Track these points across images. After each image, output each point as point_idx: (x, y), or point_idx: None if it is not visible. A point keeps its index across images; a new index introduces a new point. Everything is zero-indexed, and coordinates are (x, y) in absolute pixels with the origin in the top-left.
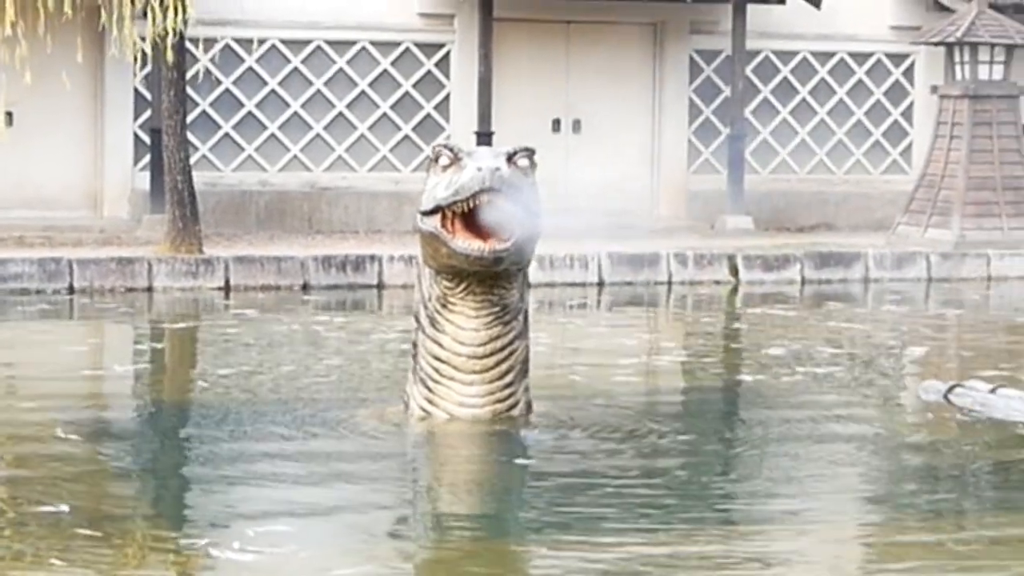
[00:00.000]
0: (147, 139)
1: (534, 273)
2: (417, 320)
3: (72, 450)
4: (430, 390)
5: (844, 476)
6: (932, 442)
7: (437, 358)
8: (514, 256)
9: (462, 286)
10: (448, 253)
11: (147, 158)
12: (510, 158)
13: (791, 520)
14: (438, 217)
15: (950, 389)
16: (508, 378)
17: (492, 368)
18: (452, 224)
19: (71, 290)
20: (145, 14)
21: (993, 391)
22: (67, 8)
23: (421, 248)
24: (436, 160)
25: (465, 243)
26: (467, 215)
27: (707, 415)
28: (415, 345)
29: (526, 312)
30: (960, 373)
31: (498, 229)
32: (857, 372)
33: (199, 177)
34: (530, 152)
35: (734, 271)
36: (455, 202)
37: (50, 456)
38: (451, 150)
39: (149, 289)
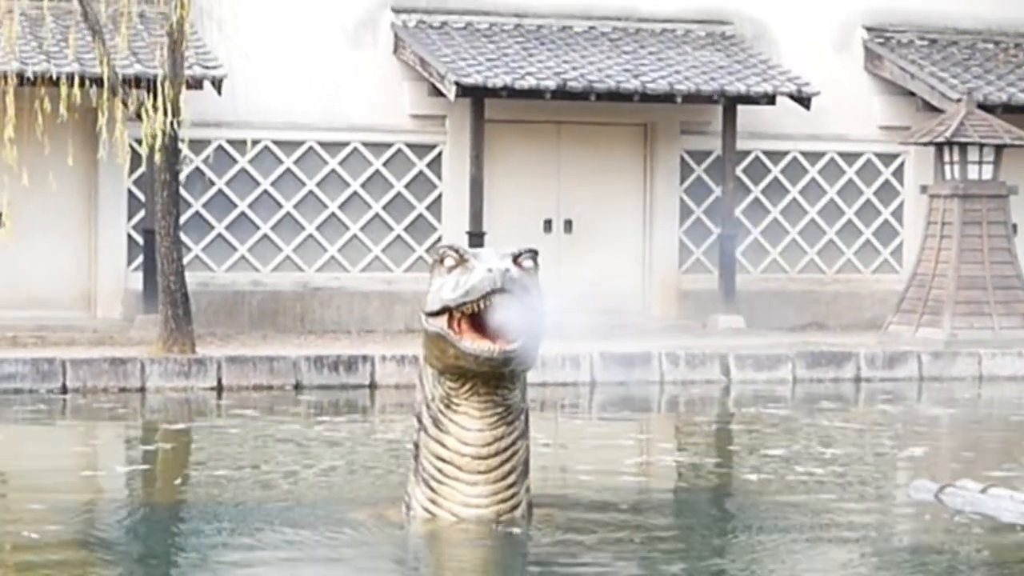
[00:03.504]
0: (140, 240)
1: None
2: (419, 420)
3: (69, 554)
4: (433, 491)
5: None
6: (924, 543)
7: (440, 458)
8: (522, 357)
9: (467, 386)
10: (456, 354)
11: (140, 258)
12: (515, 259)
13: None
14: (444, 318)
15: (941, 489)
16: (511, 478)
17: (496, 468)
18: (459, 325)
19: (64, 390)
20: (139, 116)
21: (984, 491)
22: (63, 110)
23: (425, 348)
24: (441, 261)
25: (474, 344)
26: (474, 316)
27: (708, 516)
28: (416, 446)
29: (527, 413)
30: (953, 473)
31: (506, 330)
32: (853, 472)
33: (192, 277)
34: (534, 253)
35: (726, 371)
36: (465, 303)
37: (49, 561)
38: (456, 251)
39: (142, 389)
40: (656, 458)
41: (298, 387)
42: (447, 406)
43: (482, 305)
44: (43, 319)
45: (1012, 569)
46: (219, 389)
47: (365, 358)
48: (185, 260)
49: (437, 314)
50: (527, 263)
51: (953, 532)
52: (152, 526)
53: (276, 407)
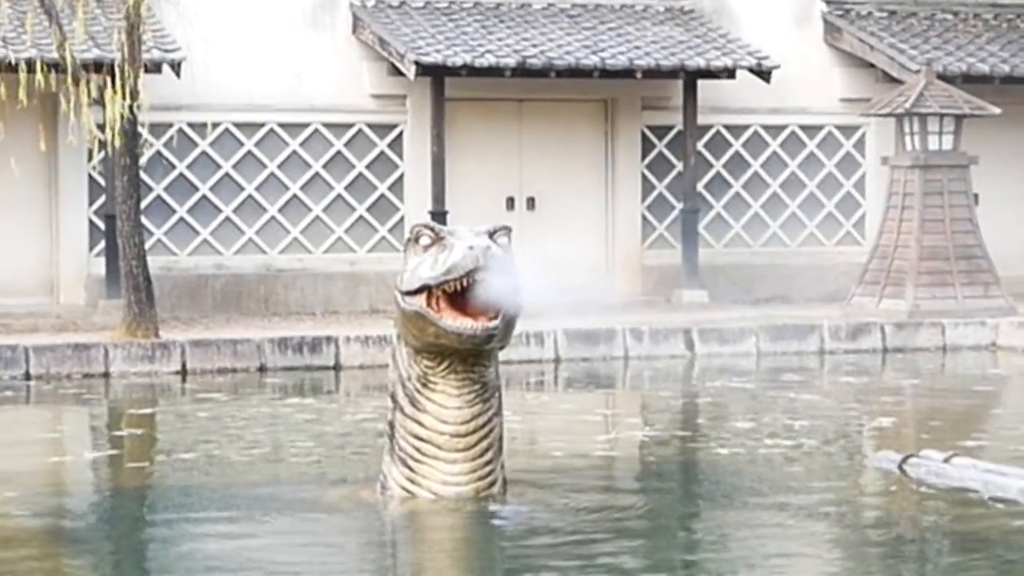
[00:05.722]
0: (102, 225)
1: None
2: (394, 400)
3: (38, 541)
4: (411, 469)
5: (802, 549)
6: (887, 513)
7: (418, 437)
8: (502, 333)
9: (444, 364)
10: (437, 332)
11: (102, 244)
12: (491, 236)
13: None
14: (423, 296)
15: (904, 459)
16: (488, 455)
17: (474, 446)
18: (437, 303)
19: (28, 377)
20: (99, 101)
21: (947, 460)
22: (22, 95)
23: (401, 328)
24: (416, 240)
25: (456, 322)
26: (453, 294)
27: (678, 491)
28: (392, 425)
29: (500, 390)
30: (918, 443)
31: (486, 306)
32: (820, 445)
33: (154, 261)
34: (508, 230)
35: (690, 345)
36: (447, 281)
37: (16, 548)
38: (432, 229)
39: (106, 375)
40: (625, 434)
41: (262, 369)
42: (424, 385)
43: (464, 283)
44: (5, 306)
45: (974, 538)
46: (183, 373)
47: (329, 339)
48: (147, 244)
49: (415, 293)
50: (502, 240)
51: (916, 502)
52: (122, 512)
53: (241, 390)
